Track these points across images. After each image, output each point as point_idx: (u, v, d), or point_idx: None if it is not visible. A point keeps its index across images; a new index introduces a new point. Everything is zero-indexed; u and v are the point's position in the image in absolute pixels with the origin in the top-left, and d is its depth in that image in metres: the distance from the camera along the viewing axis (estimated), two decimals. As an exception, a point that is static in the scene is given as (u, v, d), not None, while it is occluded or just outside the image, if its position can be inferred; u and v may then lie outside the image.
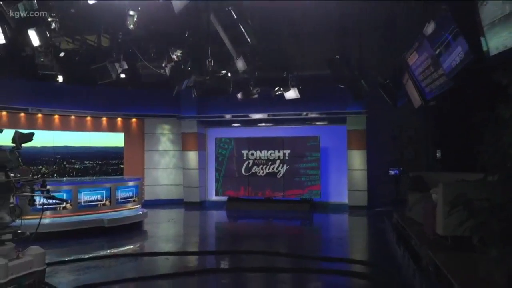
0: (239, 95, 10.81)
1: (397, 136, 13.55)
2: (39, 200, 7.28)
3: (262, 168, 13.77)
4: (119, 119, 14.84)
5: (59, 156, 13.84)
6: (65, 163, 13.94)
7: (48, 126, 13.63)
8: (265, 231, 9.93)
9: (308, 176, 13.15)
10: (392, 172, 12.64)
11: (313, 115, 13.66)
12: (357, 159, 13.13)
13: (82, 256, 6.93)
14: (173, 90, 9.91)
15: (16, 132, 5.00)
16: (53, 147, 13.67)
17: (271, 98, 11.87)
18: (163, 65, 8.63)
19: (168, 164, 15.27)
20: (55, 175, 13.50)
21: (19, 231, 4.92)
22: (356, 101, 11.37)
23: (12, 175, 4.83)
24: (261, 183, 13.70)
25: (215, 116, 14.55)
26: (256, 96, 10.80)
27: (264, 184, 13.66)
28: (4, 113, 12.69)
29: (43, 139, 13.49)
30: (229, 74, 9.52)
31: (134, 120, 15.06)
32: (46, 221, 8.52)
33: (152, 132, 15.21)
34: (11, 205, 4.72)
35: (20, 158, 4.99)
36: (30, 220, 8.22)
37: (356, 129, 13.08)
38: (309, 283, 5.69)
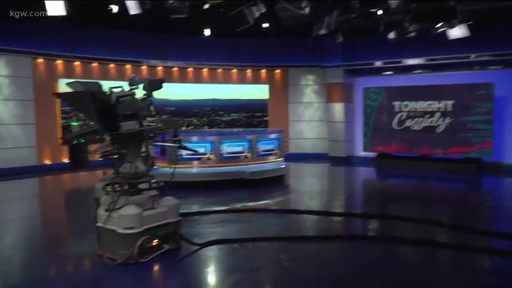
0: (391, 35, 9.26)
1: None
2: (179, 151, 7.32)
3: (417, 122, 12.04)
4: (263, 70, 14.57)
5: (208, 109, 14.32)
6: (214, 115, 14.39)
7: (197, 79, 14.10)
8: (420, 195, 8.57)
9: (476, 132, 10.98)
10: None
11: (485, 58, 11.17)
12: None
13: (219, 208, 6.80)
14: (315, 36, 9.01)
15: (145, 79, 4.78)
16: (203, 100, 14.17)
17: (430, 39, 9.97)
18: (302, 5, 7.68)
19: (313, 116, 14.58)
20: (205, 126, 14.05)
21: (153, 180, 4.82)
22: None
23: (146, 124, 4.68)
24: (416, 139, 12.04)
25: (362, 64, 13.14)
26: (412, 34, 9.11)
27: (419, 139, 11.97)
28: (160, 67, 13.49)
29: (193, 92, 14.05)
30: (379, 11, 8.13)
31: (278, 71, 14.63)
32: (193, 170, 8.72)
33: (296, 84, 14.60)
34: (143, 154, 4.57)
35: (152, 106, 4.78)
36: (180, 169, 8.65)
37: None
38: (475, 264, 4.44)
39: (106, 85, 4.73)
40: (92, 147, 4.98)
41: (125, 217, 4.28)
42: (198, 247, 4.79)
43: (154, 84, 4.69)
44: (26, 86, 11.18)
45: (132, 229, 4.28)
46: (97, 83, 5.15)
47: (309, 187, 9.48)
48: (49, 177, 10.77)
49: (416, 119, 12.05)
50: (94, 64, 12.52)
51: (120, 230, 4.28)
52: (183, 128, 13.06)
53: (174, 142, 4.84)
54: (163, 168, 8.27)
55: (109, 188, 4.59)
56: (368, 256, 4.62)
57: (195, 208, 6.87)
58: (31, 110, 11.25)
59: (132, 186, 4.59)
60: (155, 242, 4.52)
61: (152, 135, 4.71)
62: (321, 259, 4.56)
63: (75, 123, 5.13)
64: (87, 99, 4.32)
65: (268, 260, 4.56)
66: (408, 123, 12.19)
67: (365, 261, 4.45)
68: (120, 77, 12.42)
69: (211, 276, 4.17)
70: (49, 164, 11.45)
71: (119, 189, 4.48)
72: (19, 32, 10.84)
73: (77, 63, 12.21)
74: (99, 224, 4.50)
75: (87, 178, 10.23)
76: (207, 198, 7.77)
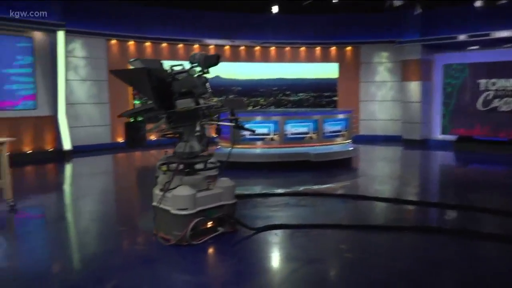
0: (478, 3, 8.22)
1: None
2: (241, 132, 7.13)
3: (506, 102, 10.79)
4: (333, 48, 13.90)
5: (275, 88, 14.01)
6: (280, 95, 14.06)
7: (265, 58, 13.82)
8: (506, 183, 7.62)
9: None
10: None
11: None
12: None
13: (280, 191, 6.54)
14: (389, 9, 8.25)
15: (201, 54, 4.57)
16: (270, 79, 13.87)
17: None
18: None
19: (385, 96, 13.70)
20: (272, 106, 13.79)
21: (210, 160, 4.66)
22: None
23: (203, 102, 4.50)
24: (504, 121, 10.81)
25: (443, 38, 11.95)
26: (503, 1, 8.00)
27: (508, 122, 10.72)
28: (227, 47, 13.38)
29: (260, 71, 13.80)
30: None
31: (349, 48, 13.88)
32: (256, 151, 8.53)
33: (368, 61, 13.76)
34: (197, 133, 4.39)
35: (207, 83, 4.59)
36: (243, 149, 8.51)
37: None
38: None
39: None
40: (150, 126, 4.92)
41: (178, 198, 4.16)
42: (254, 231, 4.58)
43: (209, 60, 4.47)
44: (101, 67, 11.65)
45: (185, 210, 4.15)
46: (158, 60, 5.07)
47: (379, 171, 8.88)
48: (122, 154, 11.22)
49: (505, 99, 10.80)
50: (164, 45, 12.72)
51: (173, 211, 4.18)
52: (249, 108, 12.90)
53: (230, 121, 4.62)
54: (226, 148, 8.17)
55: (163, 168, 4.50)
56: (442, 252, 4.09)
57: (256, 190, 6.67)
58: (105, 90, 11.73)
59: (187, 166, 4.46)
60: (209, 224, 4.38)
61: (208, 113, 4.53)
62: (387, 252, 4.12)
63: (137, 102, 5.11)
64: (143, 76, 4.21)
65: (327, 250, 4.22)
66: (495, 103, 10.97)
67: (438, 257, 3.94)
68: (188, 57, 12.49)
69: (265, 263, 3.94)
70: (121, 142, 11.93)
71: (173, 169, 4.37)
72: (95, 15, 11.26)
73: (147, 43, 12.48)
74: (154, 204, 4.44)
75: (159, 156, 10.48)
76: (269, 180, 7.54)
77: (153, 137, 10.99)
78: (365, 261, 3.87)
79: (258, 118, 8.68)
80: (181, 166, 4.38)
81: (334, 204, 6.06)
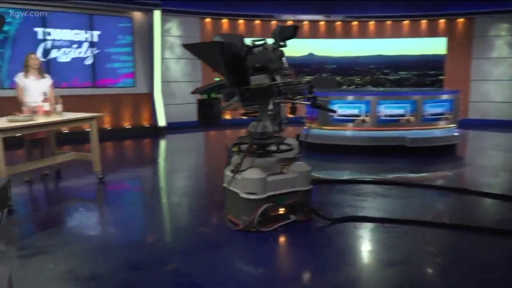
0: None
1: None
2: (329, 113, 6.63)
3: None
4: (442, 21, 12.42)
5: (373, 66, 13.04)
6: (378, 73, 13.06)
7: (363, 34, 12.88)
8: None
9: None
10: None
11: None
12: None
13: (368, 178, 5.95)
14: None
15: (277, 26, 4.17)
16: (367, 57, 12.93)
17: None
18: None
19: (503, 75, 11.95)
20: (368, 86, 12.89)
21: (285, 141, 4.30)
22: None
23: (279, 78, 4.12)
24: None
25: None
26: None
27: None
28: (322, 23, 12.73)
29: (357, 48, 12.91)
30: None
31: (460, 20, 12.29)
32: (346, 133, 7.95)
33: (483, 35, 12.06)
34: (270, 112, 4.04)
35: (283, 57, 4.19)
36: (333, 131, 7.99)
37: None
38: None
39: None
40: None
41: (247, 181, 3.89)
42: (330, 222, 4.15)
43: (285, 32, 4.05)
44: (195, 46, 11.81)
45: (254, 194, 3.87)
46: (240, 35, 4.78)
47: (490, 161, 7.70)
48: (213, 132, 11.37)
49: None
50: (257, 22, 12.51)
51: (242, 194, 3.93)
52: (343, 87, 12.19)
53: (308, 100, 4.18)
54: (314, 129, 7.72)
55: (235, 148, 4.25)
56: None
57: (342, 175, 6.18)
58: (198, 69, 11.91)
59: (258, 147, 4.16)
60: (281, 211, 4.05)
61: (284, 91, 4.14)
62: (487, 260, 3.40)
63: (217, 79, 4.91)
64: (216, 50, 3.95)
65: (414, 251, 3.63)
66: None
67: (559, 274, 3.14)
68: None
69: (338, 261, 3.50)
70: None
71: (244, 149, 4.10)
72: (190, -6, 11.42)
73: (240, 21, 12.36)
74: (224, 185, 4.24)
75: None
76: (359, 165, 6.96)
77: (228, 116, 11.00)
78: (458, 269, 3.23)
79: (349, 98, 8.03)
80: (253, 147, 4.09)
81: (429, 197, 5.30)
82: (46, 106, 5.47)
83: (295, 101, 4.11)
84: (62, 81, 9.66)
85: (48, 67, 9.42)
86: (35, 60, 5.83)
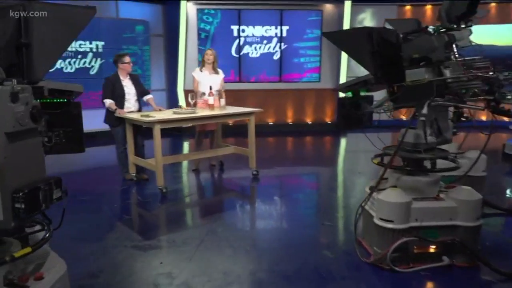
0: None
1: None
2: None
3: None
4: None
5: None
6: None
7: None
8: None
9: None
10: None
11: None
12: None
13: None
14: None
15: (445, 2, 3.13)
16: None
17: None
18: None
19: None
20: None
21: (447, 156, 3.24)
22: None
23: (448, 73, 3.11)
24: None
25: None
26: None
27: None
28: (493, 4, 9.86)
29: None
30: None
31: None
32: None
33: None
34: (422, 118, 3.05)
35: (453, 45, 3.11)
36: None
37: None
38: None
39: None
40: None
41: (383, 204, 3.06)
42: (506, 277, 2.92)
43: (456, 9, 2.99)
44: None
45: (391, 222, 3.01)
46: (414, 20, 3.90)
47: None
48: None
49: None
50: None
51: (375, 220, 3.11)
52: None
53: (488, 103, 3.00)
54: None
55: (375, 160, 3.43)
56: None
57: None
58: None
59: (409, 162, 3.25)
60: (431, 248, 3.06)
61: (456, 89, 3.09)
62: None
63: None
64: (362, 38, 3.23)
65: None
66: None
67: None
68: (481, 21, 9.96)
69: None
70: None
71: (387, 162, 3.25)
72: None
73: (427, 6, 10.61)
74: (363, 204, 3.47)
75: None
76: None
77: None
78: None
79: None
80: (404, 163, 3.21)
81: None
82: (211, 100, 5.64)
83: (462, 105, 3.02)
84: (251, 76, 10.16)
85: (239, 62, 10.01)
86: (210, 56, 6.09)
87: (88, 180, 5.88)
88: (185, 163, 6.45)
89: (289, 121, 10.40)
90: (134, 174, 5.53)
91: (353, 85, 3.55)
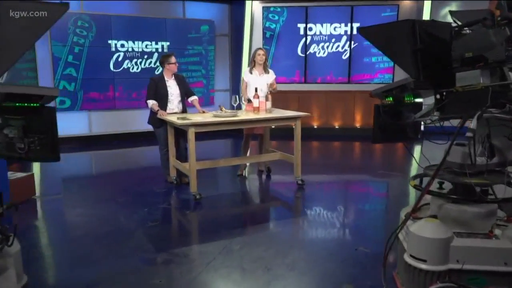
0: None
1: None
2: None
3: None
4: None
5: None
6: None
7: None
8: None
9: None
10: None
11: None
12: None
13: None
14: None
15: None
16: None
17: None
18: None
19: None
20: None
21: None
22: None
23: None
24: None
25: None
26: None
27: None
28: None
29: None
30: None
31: None
32: None
33: None
34: (470, 133, 2.40)
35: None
36: None
37: None
38: None
39: None
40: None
41: (414, 238, 2.48)
42: None
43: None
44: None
45: (423, 262, 2.43)
46: (487, 10, 3.24)
47: None
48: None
49: None
50: None
51: (405, 256, 2.55)
52: None
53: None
54: None
55: (413, 182, 2.83)
56: None
57: None
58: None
59: (457, 187, 2.62)
60: (477, 297, 2.43)
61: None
62: None
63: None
64: (402, 33, 2.68)
65: None
66: None
67: None
68: None
69: None
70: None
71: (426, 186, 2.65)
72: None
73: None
74: (397, 231, 2.89)
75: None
76: None
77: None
78: None
79: None
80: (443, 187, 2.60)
81: None
82: (255, 103, 5.32)
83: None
84: (317, 76, 9.63)
85: (305, 62, 9.55)
86: (261, 56, 5.77)
87: (134, 180, 5.89)
88: (233, 167, 6.21)
89: (358, 125, 9.69)
90: (175, 177, 5.40)
91: (390, 90, 2.98)
